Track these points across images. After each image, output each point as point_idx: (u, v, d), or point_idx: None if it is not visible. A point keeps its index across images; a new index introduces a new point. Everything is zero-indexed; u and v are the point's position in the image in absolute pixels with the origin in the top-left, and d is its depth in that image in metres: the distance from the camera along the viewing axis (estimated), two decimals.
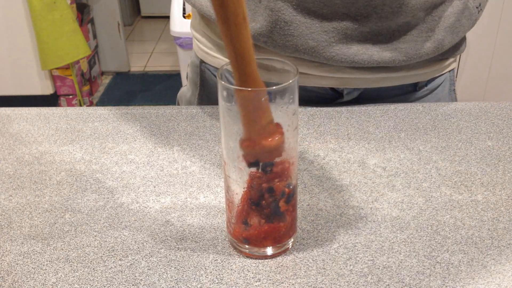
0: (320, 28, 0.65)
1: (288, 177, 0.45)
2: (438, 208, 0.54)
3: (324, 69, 0.69)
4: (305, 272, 0.47)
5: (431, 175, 0.59)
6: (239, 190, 0.46)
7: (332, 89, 0.73)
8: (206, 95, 0.82)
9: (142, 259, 0.48)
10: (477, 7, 0.70)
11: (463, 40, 0.75)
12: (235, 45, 0.40)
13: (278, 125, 0.43)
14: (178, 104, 0.89)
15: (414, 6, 0.63)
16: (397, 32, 0.66)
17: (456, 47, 0.74)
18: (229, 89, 0.41)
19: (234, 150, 0.44)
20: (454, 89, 0.81)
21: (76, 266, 0.47)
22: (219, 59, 0.76)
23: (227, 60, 0.76)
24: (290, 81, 0.41)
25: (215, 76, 0.79)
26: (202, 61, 0.80)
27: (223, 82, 0.41)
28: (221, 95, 0.42)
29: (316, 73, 0.70)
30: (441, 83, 0.78)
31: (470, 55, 2.30)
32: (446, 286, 0.45)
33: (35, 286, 0.46)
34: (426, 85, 0.76)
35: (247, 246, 0.48)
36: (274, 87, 0.41)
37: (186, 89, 0.87)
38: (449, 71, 0.78)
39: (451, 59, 0.77)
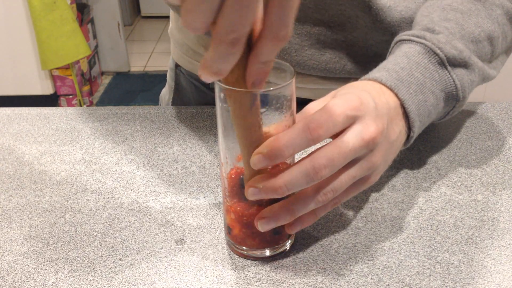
0: (293, 30, 0.64)
1: None
2: (438, 208, 0.54)
3: (296, 80, 0.68)
4: (305, 272, 0.47)
5: (431, 175, 0.59)
6: None
7: (302, 100, 0.71)
8: (180, 99, 0.81)
9: (142, 259, 0.48)
10: None
11: None
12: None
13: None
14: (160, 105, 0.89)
15: (389, 23, 0.62)
16: (374, 47, 0.65)
17: None
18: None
19: (232, 151, 0.43)
20: None
21: (76, 266, 0.47)
22: (193, 64, 0.75)
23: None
24: (288, 82, 0.41)
25: (190, 81, 0.78)
26: (177, 65, 0.80)
27: (219, 83, 0.41)
28: (218, 96, 0.42)
29: None
30: None
31: None
32: (446, 286, 0.45)
33: (35, 286, 0.46)
34: None
35: (244, 247, 0.48)
36: (271, 88, 0.40)
37: (166, 91, 0.86)
38: None
39: None
